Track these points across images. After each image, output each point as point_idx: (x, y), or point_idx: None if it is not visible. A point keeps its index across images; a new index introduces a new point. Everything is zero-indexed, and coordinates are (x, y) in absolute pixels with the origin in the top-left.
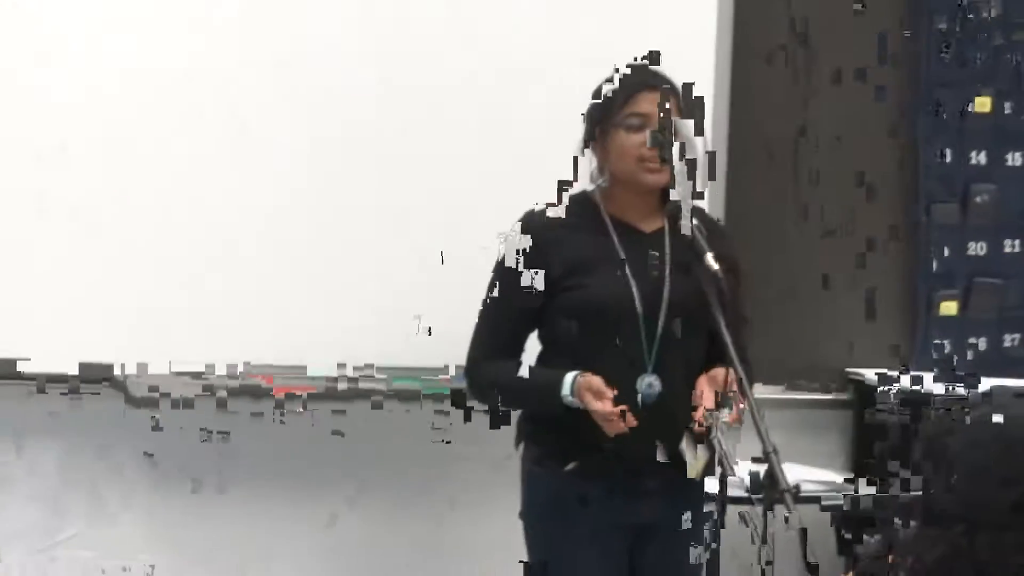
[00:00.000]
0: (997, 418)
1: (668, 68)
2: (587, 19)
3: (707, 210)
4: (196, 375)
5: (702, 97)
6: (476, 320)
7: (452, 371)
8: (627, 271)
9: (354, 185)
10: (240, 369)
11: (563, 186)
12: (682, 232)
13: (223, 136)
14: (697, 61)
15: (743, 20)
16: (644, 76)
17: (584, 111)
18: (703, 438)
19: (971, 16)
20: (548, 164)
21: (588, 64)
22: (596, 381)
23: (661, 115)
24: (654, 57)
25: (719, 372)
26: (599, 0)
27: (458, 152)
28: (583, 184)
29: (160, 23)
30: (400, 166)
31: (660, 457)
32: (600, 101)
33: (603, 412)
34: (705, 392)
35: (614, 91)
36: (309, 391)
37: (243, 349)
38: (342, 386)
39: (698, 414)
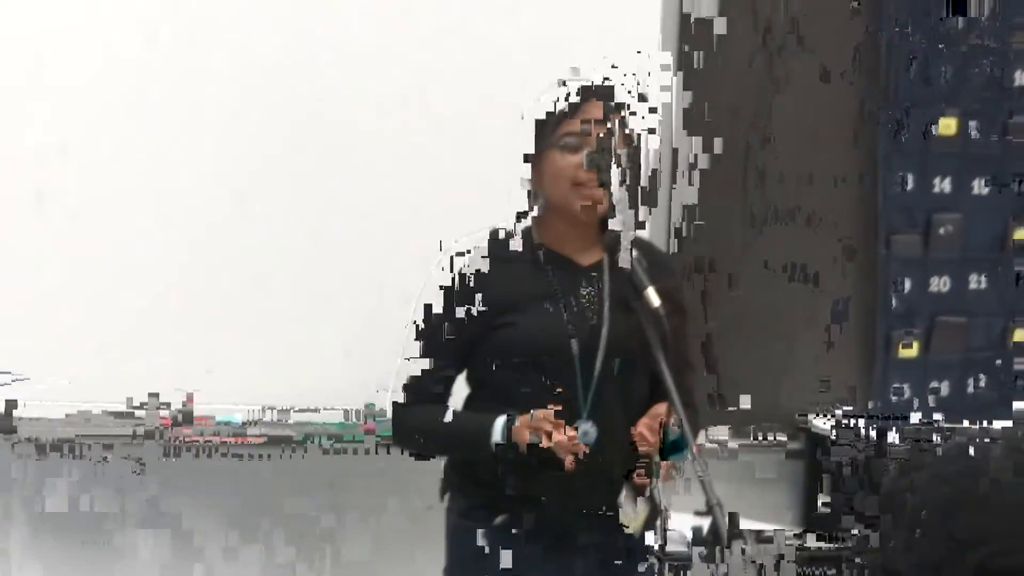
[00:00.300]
0: (961, 468)
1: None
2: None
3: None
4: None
5: (656, 109)
6: (401, 361)
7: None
8: (561, 308)
9: (281, 220)
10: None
11: (520, 217)
12: (620, 265)
13: (143, 175)
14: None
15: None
16: (584, 90)
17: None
18: (643, 490)
19: (937, 30)
20: (489, 197)
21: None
22: (540, 414)
23: (600, 134)
24: (602, 73)
25: (660, 409)
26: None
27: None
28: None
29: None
30: (326, 200)
31: (597, 510)
32: (537, 123)
33: (562, 442)
34: (644, 434)
35: (549, 112)
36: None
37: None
38: (252, 431)
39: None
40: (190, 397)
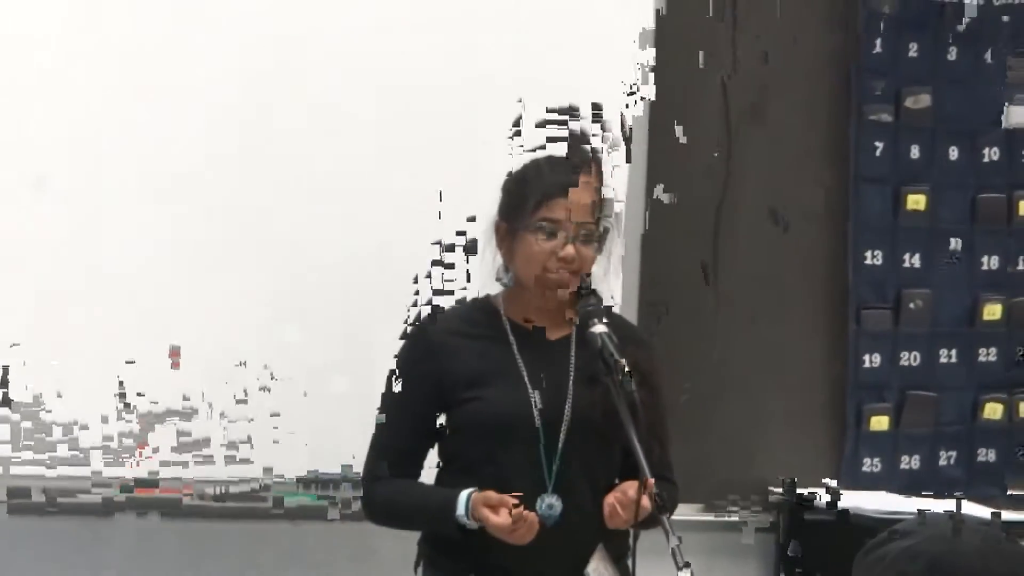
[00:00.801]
0: (936, 550)
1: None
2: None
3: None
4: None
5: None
6: (371, 434)
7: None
8: (526, 383)
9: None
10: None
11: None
12: (589, 340)
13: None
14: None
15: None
16: (564, 175)
17: (498, 203)
18: (615, 560)
19: (907, 106)
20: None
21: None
22: (491, 495)
23: (577, 220)
24: (579, 137)
25: (629, 486)
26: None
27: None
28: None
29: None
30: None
31: None
32: (512, 195)
33: (499, 525)
34: (616, 508)
35: (528, 188)
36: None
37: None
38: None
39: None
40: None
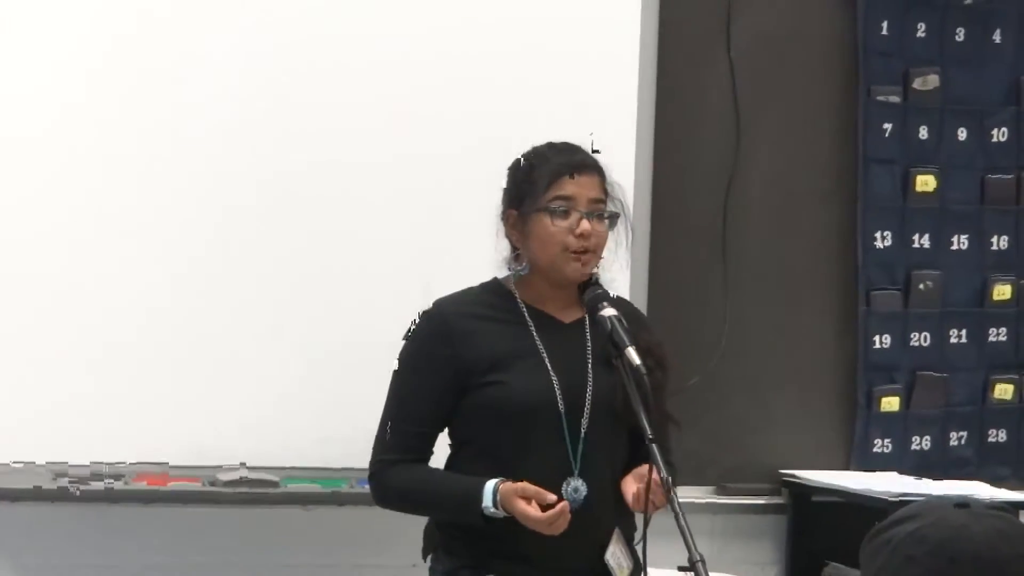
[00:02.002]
0: (942, 534)
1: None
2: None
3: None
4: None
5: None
6: (380, 417)
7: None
8: (547, 366)
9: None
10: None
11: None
12: (599, 324)
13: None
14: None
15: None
16: (570, 156)
17: (504, 188)
18: (630, 545)
19: (915, 87)
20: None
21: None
22: (528, 487)
23: (590, 197)
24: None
25: (644, 471)
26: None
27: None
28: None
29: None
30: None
31: (586, 568)
32: (520, 182)
33: (539, 519)
34: (636, 489)
35: (537, 172)
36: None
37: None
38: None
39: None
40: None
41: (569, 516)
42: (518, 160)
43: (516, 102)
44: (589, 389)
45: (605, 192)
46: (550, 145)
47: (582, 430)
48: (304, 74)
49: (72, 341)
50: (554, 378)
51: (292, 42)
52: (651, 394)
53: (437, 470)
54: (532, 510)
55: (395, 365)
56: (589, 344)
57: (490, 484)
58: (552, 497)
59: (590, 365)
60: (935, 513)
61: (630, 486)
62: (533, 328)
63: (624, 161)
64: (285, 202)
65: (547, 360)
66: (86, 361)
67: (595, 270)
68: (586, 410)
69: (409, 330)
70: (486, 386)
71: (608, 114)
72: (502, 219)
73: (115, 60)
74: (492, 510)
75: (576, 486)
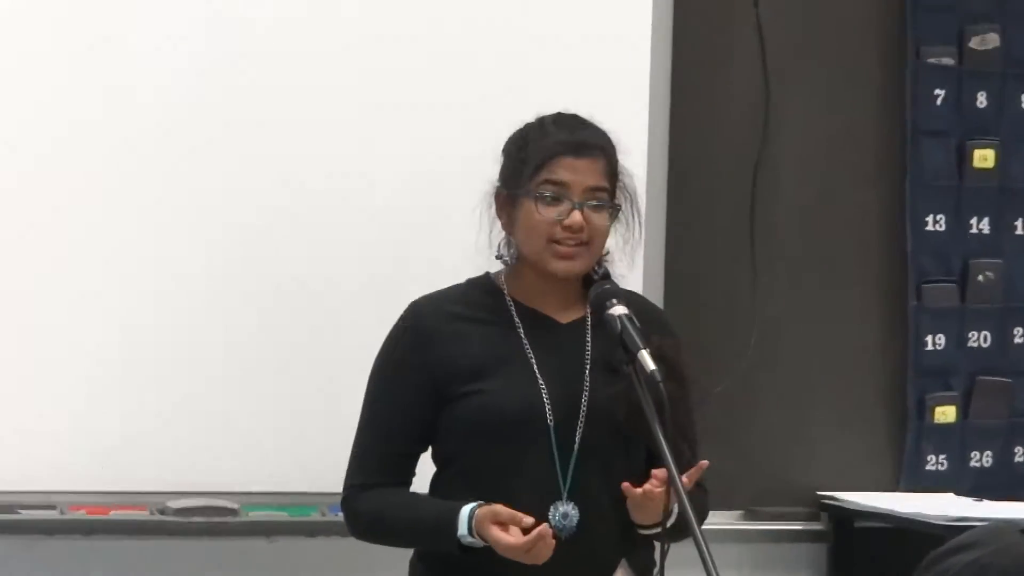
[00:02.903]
0: (1005, 563)
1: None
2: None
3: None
4: None
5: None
6: (354, 436)
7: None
8: (535, 372)
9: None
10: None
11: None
12: (607, 324)
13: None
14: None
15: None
16: (570, 134)
17: (501, 162)
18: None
19: (971, 47)
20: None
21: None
22: (500, 510)
23: (586, 186)
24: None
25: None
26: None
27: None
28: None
29: None
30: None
31: None
32: (513, 157)
33: (512, 546)
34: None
35: (531, 149)
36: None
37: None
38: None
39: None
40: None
41: (553, 543)
42: (516, 132)
43: (508, 79)
44: (584, 398)
45: (610, 179)
46: (554, 118)
47: (575, 446)
48: (294, 89)
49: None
50: (543, 386)
51: (282, 46)
52: (666, 406)
53: (415, 494)
54: (506, 536)
55: (369, 376)
56: (588, 347)
57: (466, 509)
58: (529, 521)
59: (587, 371)
60: (998, 540)
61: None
62: (522, 329)
63: (636, 139)
64: (244, 223)
65: (535, 365)
66: (18, 378)
67: (604, 264)
68: (580, 423)
69: (389, 336)
70: (466, 396)
71: (616, 86)
72: (494, 197)
73: (99, 65)
74: (469, 538)
75: (565, 511)
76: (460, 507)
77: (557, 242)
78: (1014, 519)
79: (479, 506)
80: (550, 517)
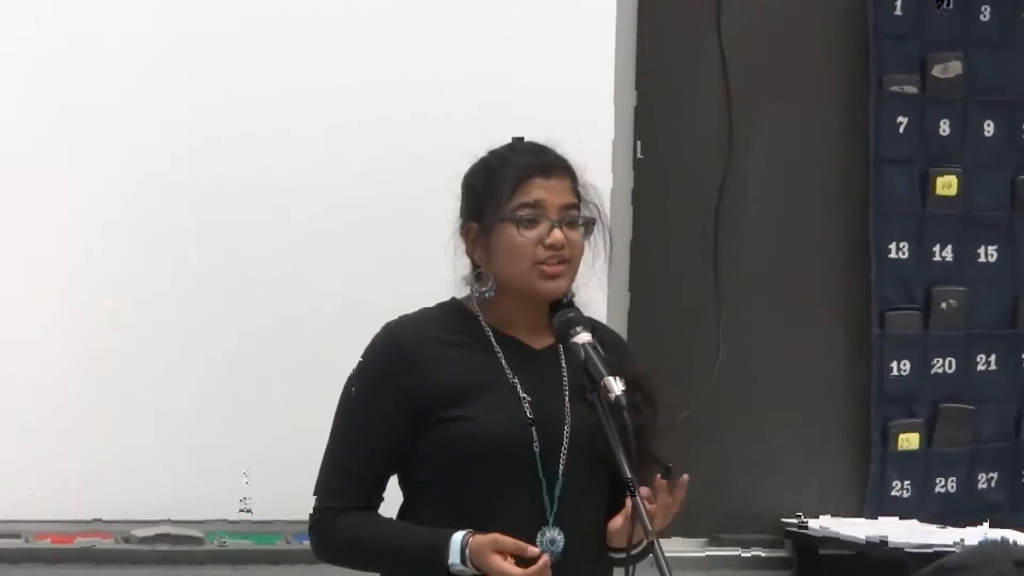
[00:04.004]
0: None
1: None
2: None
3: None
4: None
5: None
6: (323, 459)
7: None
8: (519, 397)
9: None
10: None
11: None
12: (572, 352)
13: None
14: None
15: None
16: (535, 156)
17: (461, 198)
18: None
19: (934, 75)
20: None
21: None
22: (505, 540)
23: (560, 203)
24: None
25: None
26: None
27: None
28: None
29: None
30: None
31: None
32: (479, 190)
33: None
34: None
35: (499, 177)
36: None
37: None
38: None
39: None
40: None
41: (549, 572)
42: (474, 166)
43: (474, 94)
44: (567, 423)
45: (577, 195)
46: (511, 146)
47: (559, 473)
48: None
49: None
50: (529, 413)
51: (242, 77)
52: (633, 432)
53: (393, 520)
54: (509, 567)
55: (340, 398)
56: (565, 374)
57: (457, 537)
58: (534, 550)
59: (567, 396)
60: (991, 568)
61: (616, 520)
62: (502, 355)
63: (600, 162)
64: (217, 252)
65: (520, 391)
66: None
67: (571, 291)
68: (563, 449)
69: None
70: (448, 422)
71: (580, 109)
72: (461, 235)
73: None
74: (460, 567)
75: (552, 537)
76: (449, 535)
77: (542, 263)
78: (1001, 541)
79: (471, 534)
80: (537, 543)
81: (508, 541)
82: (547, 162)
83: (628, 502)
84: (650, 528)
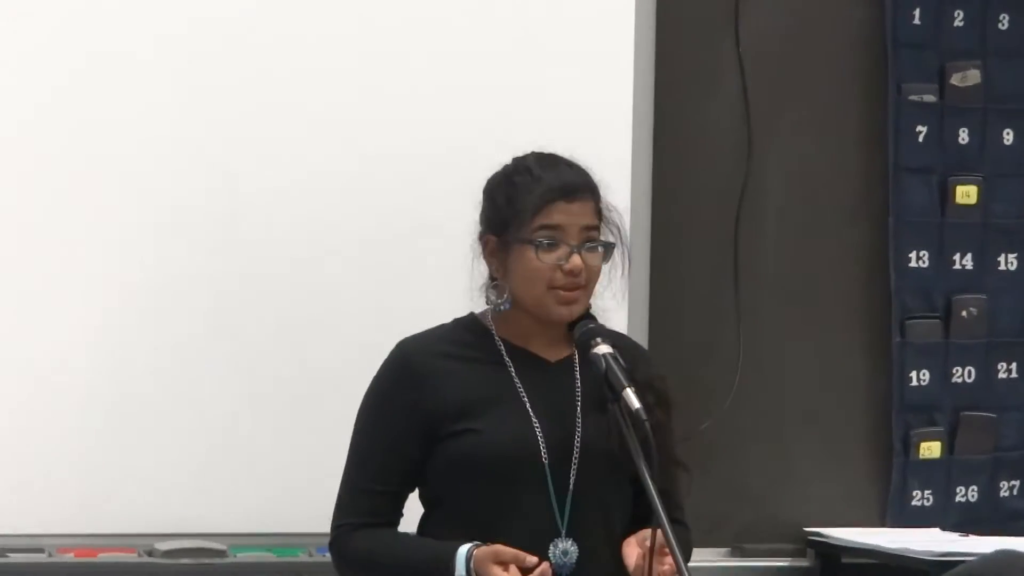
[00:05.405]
0: None
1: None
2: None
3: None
4: None
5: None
6: (342, 476)
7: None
8: (529, 411)
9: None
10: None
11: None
12: (592, 363)
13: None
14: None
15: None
16: (559, 176)
17: (481, 206)
18: None
19: (953, 84)
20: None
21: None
22: (503, 549)
23: (581, 226)
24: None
25: (647, 535)
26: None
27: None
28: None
29: None
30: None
31: None
32: (500, 204)
33: None
34: (637, 556)
35: (521, 195)
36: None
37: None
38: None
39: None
40: None
41: None
42: (498, 176)
43: (496, 105)
44: (578, 436)
45: (599, 216)
46: (537, 159)
47: (570, 484)
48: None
49: None
50: (536, 425)
51: (246, 75)
52: (653, 438)
53: (406, 535)
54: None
55: (357, 416)
56: (579, 385)
57: (463, 549)
58: (533, 559)
59: (579, 409)
60: (1003, 570)
61: (632, 550)
62: (512, 369)
63: (619, 175)
64: (227, 264)
65: (528, 404)
66: (5, 421)
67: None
68: (574, 460)
69: (378, 374)
70: (457, 435)
71: (600, 121)
72: (480, 242)
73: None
74: None
75: (565, 548)
76: (456, 547)
77: (557, 287)
78: (1016, 550)
79: (476, 546)
80: (550, 555)
81: (508, 552)
82: (571, 185)
83: (647, 533)
84: (672, 537)
